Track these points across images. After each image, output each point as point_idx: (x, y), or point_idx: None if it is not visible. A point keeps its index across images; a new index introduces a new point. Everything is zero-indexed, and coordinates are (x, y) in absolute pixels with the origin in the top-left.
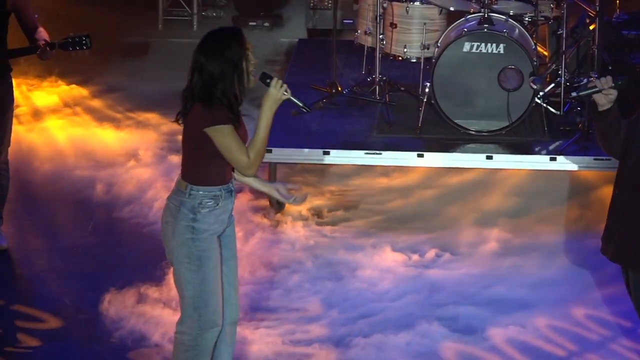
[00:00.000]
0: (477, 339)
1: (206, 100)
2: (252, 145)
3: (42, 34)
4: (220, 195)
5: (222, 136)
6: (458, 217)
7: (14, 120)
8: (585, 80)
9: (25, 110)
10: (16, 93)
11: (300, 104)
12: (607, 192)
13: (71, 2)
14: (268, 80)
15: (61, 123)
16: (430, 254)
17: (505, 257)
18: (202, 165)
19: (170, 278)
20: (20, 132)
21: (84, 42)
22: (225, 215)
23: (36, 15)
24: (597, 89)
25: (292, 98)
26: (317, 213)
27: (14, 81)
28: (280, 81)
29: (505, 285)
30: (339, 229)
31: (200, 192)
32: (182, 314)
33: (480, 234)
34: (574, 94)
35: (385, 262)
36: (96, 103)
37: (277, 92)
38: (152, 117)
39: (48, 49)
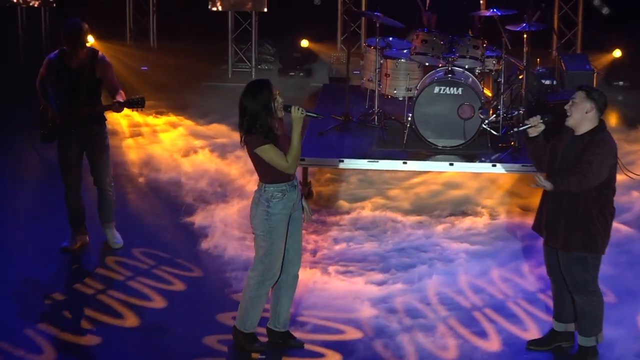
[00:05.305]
0: None
1: (249, 131)
2: (289, 152)
3: (120, 96)
4: (286, 189)
5: (265, 152)
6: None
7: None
8: (515, 113)
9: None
10: (140, 119)
11: (315, 115)
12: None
13: (169, 55)
14: (289, 108)
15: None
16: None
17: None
18: (267, 171)
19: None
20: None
21: (139, 102)
22: (290, 203)
23: (120, 91)
24: (530, 125)
25: (308, 114)
26: None
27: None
28: (297, 106)
29: None
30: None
31: (271, 188)
32: (253, 265)
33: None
34: (515, 129)
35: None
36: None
37: (297, 113)
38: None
39: (118, 105)
